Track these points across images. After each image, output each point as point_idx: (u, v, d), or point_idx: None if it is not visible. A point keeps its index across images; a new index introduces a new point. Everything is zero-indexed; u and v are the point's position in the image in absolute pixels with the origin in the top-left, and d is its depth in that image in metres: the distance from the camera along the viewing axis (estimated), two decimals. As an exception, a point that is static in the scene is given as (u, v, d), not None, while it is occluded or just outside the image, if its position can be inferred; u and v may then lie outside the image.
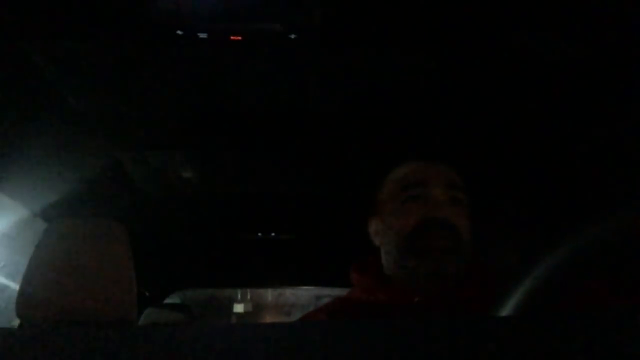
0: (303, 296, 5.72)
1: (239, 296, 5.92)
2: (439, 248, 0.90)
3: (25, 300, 0.97)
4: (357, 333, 0.40)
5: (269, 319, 5.88)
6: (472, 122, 1.46)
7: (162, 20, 1.07)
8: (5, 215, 1.72)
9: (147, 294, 2.35)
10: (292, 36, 1.10)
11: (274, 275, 2.75)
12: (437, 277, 0.90)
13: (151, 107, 1.44)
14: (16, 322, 1.02)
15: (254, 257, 2.48)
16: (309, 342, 0.40)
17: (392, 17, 1.09)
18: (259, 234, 2.40)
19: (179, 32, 1.10)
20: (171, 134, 1.59)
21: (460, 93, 1.34)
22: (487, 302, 0.82)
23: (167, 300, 2.80)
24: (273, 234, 2.40)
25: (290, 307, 5.88)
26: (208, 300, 5.78)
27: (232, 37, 1.12)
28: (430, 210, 0.92)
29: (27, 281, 0.98)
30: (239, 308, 5.80)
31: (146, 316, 2.22)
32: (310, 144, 1.63)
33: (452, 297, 0.89)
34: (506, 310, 0.51)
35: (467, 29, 1.11)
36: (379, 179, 1.04)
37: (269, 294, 5.95)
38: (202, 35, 1.11)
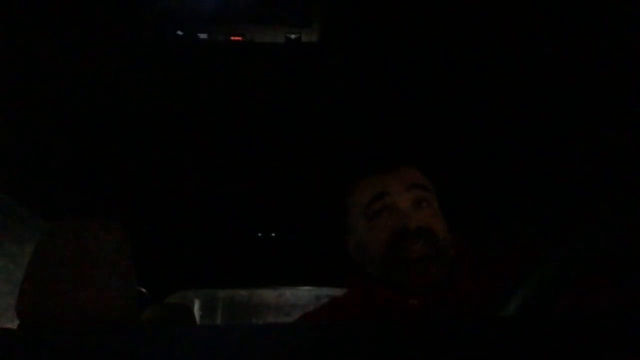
0: (303, 296, 5.71)
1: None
2: (418, 258, 0.88)
3: (25, 300, 0.97)
4: (355, 334, 0.40)
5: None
6: (475, 123, 1.46)
7: (163, 20, 1.07)
8: (6, 215, 1.72)
9: (147, 294, 2.35)
10: (292, 36, 1.11)
11: (274, 275, 2.75)
12: (424, 286, 0.89)
13: (151, 107, 1.44)
14: (16, 322, 1.01)
15: (254, 257, 2.48)
16: (309, 342, 0.40)
17: (392, 18, 1.09)
18: (259, 234, 2.40)
19: (179, 32, 1.10)
20: (171, 134, 1.59)
21: (461, 95, 1.34)
22: (483, 298, 0.82)
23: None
24: (273, 234, 2.40)
25: (290, 307, 5.87)
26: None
27: (232, 38, 1.12)
28: (398, 221, 0.90)
29: (28, 281, 0.98)
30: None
31: (146, 316, 2.21)
32: (311, 144, 1.63)
33: (447, 297, 0.89)
34: (505, 310, 0.51)
35: (462, 33, 1.11)
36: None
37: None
38: (202, 36, 1.11)
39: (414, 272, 0.88)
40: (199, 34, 1.11)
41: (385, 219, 0.92)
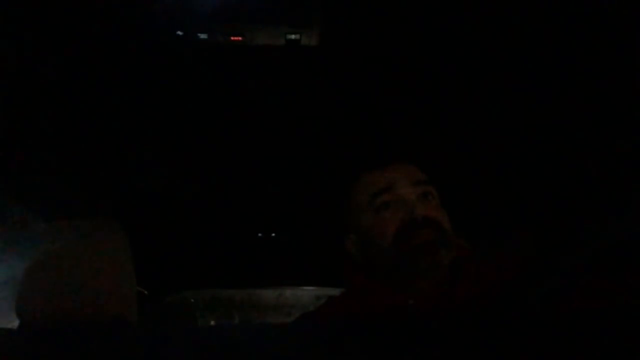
0: (303, 296, 5.70)
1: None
2: (427, 242, 0.89)
3: (25, 300, 0.97)
4: (354, 334, 0.40)
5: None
6: (476, 123, 1.46)
7: (162, 20, 1.07)
8: (6, 216, 1.72)
9: (147, 294, 2.35)
10: (292, 36, 1.11)
11: (274, 275, 2.75)
12: (434, 271, 0.89)
13: (151, 106, 1.44)
14: (16, 322, 1.01)
15: (254, 257, 2.48)
16: (308, 342, 0.40)
17: (391, 18, 1.09)
18: (259, 234, 2.40)
19: (179, 32, 1.10)
20: (171, 134, 1.59)
21: (459, 95, 1.34)
22: (481, 301, 0.82)
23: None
24: (273, 234, 2.40)
25: (290, 307, 5.86)
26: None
27: (232, 38, 1.12)
28: (406, 213, 0.91)
29: (27, 281, 0.98)
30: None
31: (146, 316, 2.21)
32: (311, 144, 1.63)
33: (445, 298, 0.89)
34: (505, 309, 0.51)
35: (462, 34, 1.11)
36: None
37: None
38: (203, 36, 1.11)
39: (423, 257, 0.88)
40: (199, 34, 1.11)
41: (393, 210, 0.93)
